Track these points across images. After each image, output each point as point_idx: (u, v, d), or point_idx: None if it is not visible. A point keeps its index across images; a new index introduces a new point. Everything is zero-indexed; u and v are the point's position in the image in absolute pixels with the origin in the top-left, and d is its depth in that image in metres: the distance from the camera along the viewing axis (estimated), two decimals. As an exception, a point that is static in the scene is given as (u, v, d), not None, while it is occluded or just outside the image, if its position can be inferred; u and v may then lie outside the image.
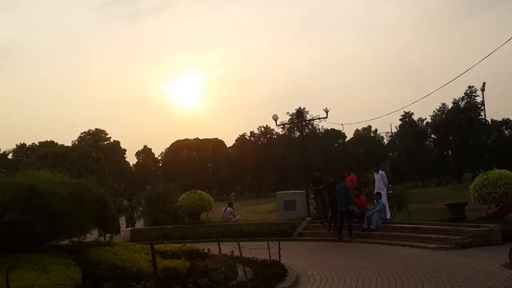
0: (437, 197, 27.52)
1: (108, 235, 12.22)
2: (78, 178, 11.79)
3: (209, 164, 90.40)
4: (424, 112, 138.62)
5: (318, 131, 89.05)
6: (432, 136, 78.69)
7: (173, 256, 10.41)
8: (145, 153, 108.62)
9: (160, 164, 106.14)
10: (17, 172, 13.54)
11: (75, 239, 11.51)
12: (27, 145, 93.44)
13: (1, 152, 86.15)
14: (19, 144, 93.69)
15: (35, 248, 9.74)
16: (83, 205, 9.99)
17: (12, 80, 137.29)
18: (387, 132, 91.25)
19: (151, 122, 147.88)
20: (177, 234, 18.56)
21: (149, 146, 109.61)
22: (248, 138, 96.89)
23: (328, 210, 17.72)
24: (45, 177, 10.36)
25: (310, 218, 19.49)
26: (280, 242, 11.36)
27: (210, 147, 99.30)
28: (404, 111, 76.34)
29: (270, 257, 11.15)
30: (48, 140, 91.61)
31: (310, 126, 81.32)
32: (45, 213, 9.05)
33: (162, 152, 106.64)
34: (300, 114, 72.06)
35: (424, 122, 78.22)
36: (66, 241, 11.51)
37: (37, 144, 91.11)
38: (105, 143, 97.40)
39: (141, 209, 25.07)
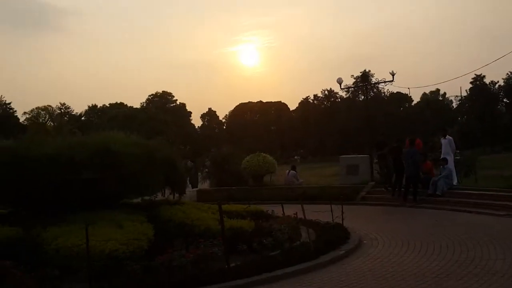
0: (508, 163, 26.50)
1: (177, 195, 12.73)
2: (147, 139, 12.26)
3: (272, 127, 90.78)
4: (496, 75, 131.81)
5: (383, 94, 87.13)
6: (505, 100, 75.21)
7: (238, 216, 10.71)
8: (209, 116, 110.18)
9: (224, 127, 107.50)
10: (91, 133, 14.25)
11: (146, 198, 12.10)
12: (98, 106, 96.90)
13: (75, 113, 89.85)
14: (90, 105, 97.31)
15: (110, 205, 10.32)
16: (154, 166, 10.46)
17: (83, 43, 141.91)
18: (457, 96, 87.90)
19: (216, 85, 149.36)
20: (241, 195, 18.96)
21: (213, 109, 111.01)
22: (311, 101, 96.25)
23: (392, 175, 17.56)
24: (119, 138, 10.86)
25: (374, 182, 19.39)
26: (343, 206, 11.44)
27: (273, 110, 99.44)
28: (475, 74, 73.26)
29: (333, 220, 11.30)
30: (118, 102, 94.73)
31: (375, 90, 79.71)
32: (119, 173, 9.57)
33: (226, 115, 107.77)
34: (365, 77, 70.81)
35: (497, 86, 74.75)
36: (138, 199, 12.12)
37: (108, 105, 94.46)
38: (171, 105, 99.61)
39: (206, 170, 25.76)
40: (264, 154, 22.33)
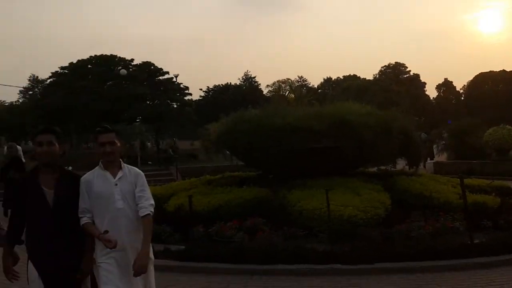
0: None
1: (413, 167, 12.43)
2: (381, 110, 12.17)
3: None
4: None
5: None
6: None
7: (481, 191, 9.97)
8: (445, 86, 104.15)
9: (462, 98, 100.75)
10: (327, 104, 14.76)
11: (382, 167, 12.09)
12: (333, 79, 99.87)
13: (312, 85, 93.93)
14: (325, 78, 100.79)
15: (345, 173, 10.61)
16: (389, 136, 10.38)
17: (319, 19, 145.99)
18: None
19: (452, 54, 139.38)
20: (483, 169, 17.83)
21: (450, 79, 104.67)
22: None
23: None
24: (354, 109, 11.06)
25: None
26: None
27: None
28: None
29: None
30: (351, 74, 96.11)
31: None
32: (354, 142, 9.75)
33: (464, 85, 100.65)
34: None
35: None
36: (374, 169, 12.18)
37: (341, 78, 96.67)
38: (405, 76, 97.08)
39: (443, 142, 24.68)
40: (510, 127, 20.50)
